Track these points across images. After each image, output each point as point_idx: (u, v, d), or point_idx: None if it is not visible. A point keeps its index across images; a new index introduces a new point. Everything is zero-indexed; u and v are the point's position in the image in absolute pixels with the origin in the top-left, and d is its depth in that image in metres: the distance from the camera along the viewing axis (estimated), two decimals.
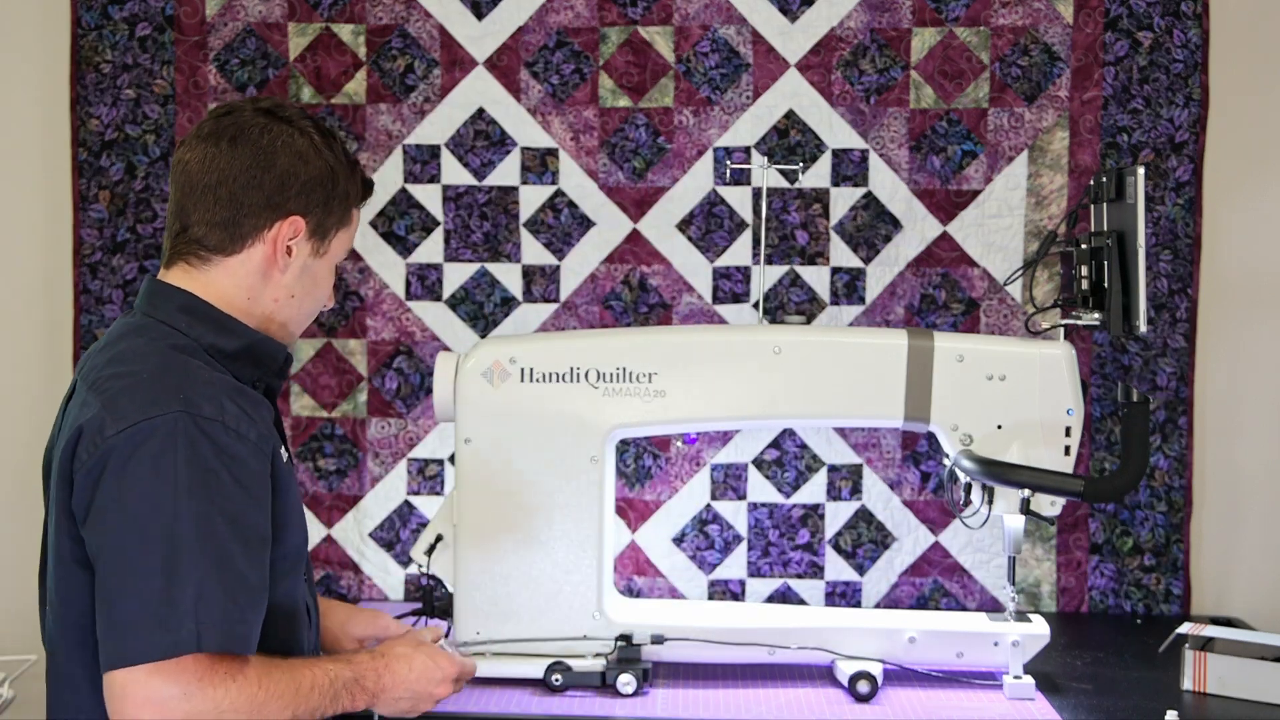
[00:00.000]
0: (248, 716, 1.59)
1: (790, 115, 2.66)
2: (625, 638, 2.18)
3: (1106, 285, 2.16)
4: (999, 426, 2.17)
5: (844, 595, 2.70)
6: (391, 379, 2.71)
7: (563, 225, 2.69)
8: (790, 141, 2.66)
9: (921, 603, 2.68)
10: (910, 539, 2.68)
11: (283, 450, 1.77)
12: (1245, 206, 2.67)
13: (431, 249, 2.70)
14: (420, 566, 2.23)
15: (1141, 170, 2.13)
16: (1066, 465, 2.16)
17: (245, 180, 1.74)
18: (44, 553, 1.84)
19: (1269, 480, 2.70)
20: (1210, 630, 2.22)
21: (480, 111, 2.68)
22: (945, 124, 2.65)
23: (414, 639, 1.93)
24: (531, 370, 2.18)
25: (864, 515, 2.69)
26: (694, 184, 2.67)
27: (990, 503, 2.18)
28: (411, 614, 2.36)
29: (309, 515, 2.69)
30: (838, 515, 2.69)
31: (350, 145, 2.68)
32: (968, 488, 2.21)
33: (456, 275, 2.70)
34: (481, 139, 2.69)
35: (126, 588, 1.58)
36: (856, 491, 2.69)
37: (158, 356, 1.68)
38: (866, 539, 2.69)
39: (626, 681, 2.13)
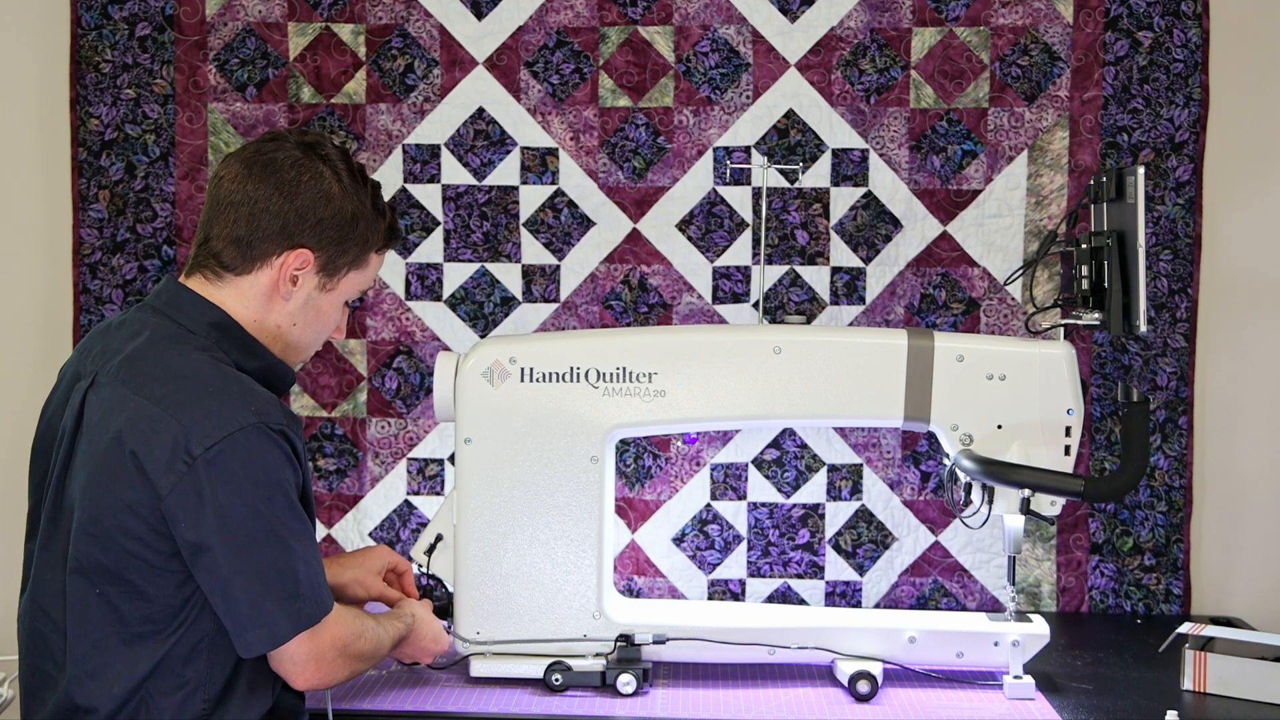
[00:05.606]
0: (374, 643, 1.95)
1: (790, 115, 2.66)
2: (625, 638, 2.17)
3: (1106, 285, 2.16)
4: (999, 426, 2.17)
5: (844, 595, 2.69)
6: (391, 379, 2.71)
7: (563, 225, 2.69)
8: (790, 141, 2.66)
9: (921, 603, 2.68)
10: (910, 539, 2.68)
11: None
12: (1245, 206, 2.67)
13: (431, 249, 2.70)
14: (420, 566, 2.24)
15: (1141, 170, 2.13)
16: (1066, 465, 2.16)
17: (266, 206, 1.86)
18: (33, 553, 1.87)
19: (1269, 480, 2.70)
20: (1210, 630, 2.22)
21: (480, 111, 2.68)
22: (945, 124, 2.65)
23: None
24: (531, 370, 2.18)
25: (864, 515, 2.69)
26: (694, 184, 2.67)
27: (990, 503, 2.18)
28: None
29: None
30: (838, 515, 2.69)
31: (350, 145, 2.68)
32: (968, 488, 2.21)
33: (456, 275, 2.70)
34: (481, 139, 2.68)
35: (257, 581, 1.76)
36: (856, 491, 2.69)
37: (211, 368, 1.81)
38: (866, 539, 2.69)
39: (626, 681, 2.13)
